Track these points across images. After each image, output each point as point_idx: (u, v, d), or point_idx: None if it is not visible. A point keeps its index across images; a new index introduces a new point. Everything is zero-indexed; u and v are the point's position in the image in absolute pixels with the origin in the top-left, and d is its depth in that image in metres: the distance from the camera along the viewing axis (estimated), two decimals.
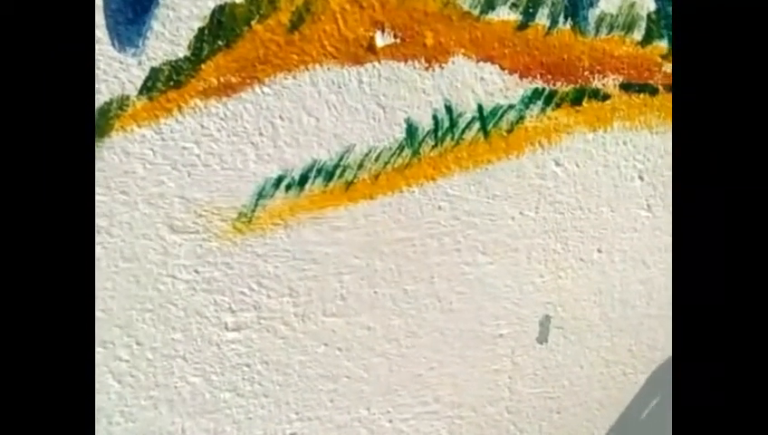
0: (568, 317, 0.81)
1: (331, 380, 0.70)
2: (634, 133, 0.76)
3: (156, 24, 0.51)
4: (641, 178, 0.78)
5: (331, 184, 0.63)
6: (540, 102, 0.70)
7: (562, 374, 0.83)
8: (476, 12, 0.63)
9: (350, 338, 0.70)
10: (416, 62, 0.63)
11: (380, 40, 0.61)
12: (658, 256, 0.83)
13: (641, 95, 0.75)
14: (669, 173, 0.80)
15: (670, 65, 0.77)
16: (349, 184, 0.63)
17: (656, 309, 0.85)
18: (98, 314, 0.57)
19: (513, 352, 0.79)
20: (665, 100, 0.77)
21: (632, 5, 0.71)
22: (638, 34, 0.73)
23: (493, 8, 0.64)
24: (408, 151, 0.65)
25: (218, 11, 0.53)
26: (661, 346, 0.88)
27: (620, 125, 0.75)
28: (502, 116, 0.69)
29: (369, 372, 0.72)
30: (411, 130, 0.65)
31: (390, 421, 0.75)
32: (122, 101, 0.52)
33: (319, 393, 0.70)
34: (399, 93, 0.63)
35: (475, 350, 0.77)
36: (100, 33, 0.49)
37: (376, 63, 0.61)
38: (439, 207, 0.69)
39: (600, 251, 0.80)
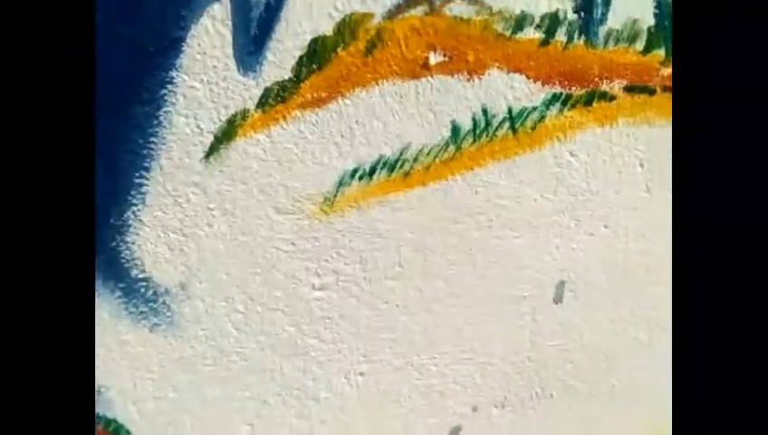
0: (579, 282, 0.88)
1: (390, 331, 0.81)
2: (636, 128, 0.83)
3: (269, 55, 0.64)
4: (642, 165, 0.85)
5: (394, 174, 0.74)
6: (558, 104, 0.78)
7: (574, 330, 0.90)
8: (508, 33, 0.74)
9: (405, 297, 0.80)
10: (460, 76, 0.73)
11: (433, 59, 0.71)
12: (656, 231, 0.89)
13: (642, 96, 0.82)
14: (665, 161, 0.87)
15: (667, 70, 0.83)
16: (407, 174, 0.74)
17: (653, 277, 0.92)
18: (222, 276, 0.70)
19: (534, 311, 0.87)
20: (662, 99, 0.85)
21: (635, 22, 0.79)
22: (639, 45, 0.79)
23: (521, 29, 0.74)
24: (452, 147, 0.75)
25: (314, 42, 0.65)
26: (657, 308, 0.95)
27: (624, 121, 0.82)
28: (527, 116, 0.77)
29: (419, 326, 0.82)
30: (455, 130, 0.75)
31: (435, 365, 0.85)
32: (244, 114, 0.65)
33: (381, 341, 0.81)
34: (447, 101, 0.73)
35: (504, 309, 0.85)
36: (230, 62, 0.62)
37: (429, 78, 0.72)
38: (476, 192, 0.78)
39: (606, 227, 0.86)
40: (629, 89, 0.81)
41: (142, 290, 0.69)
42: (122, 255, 0.66)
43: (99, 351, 0.67)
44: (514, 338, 0.87)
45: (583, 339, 0.91)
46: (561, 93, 0.78)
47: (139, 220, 0.66)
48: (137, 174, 0.64)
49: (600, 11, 0.76)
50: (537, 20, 0.74)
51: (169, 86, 0.62)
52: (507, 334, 0.87)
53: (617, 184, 0.84)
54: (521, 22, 0.73)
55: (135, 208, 0.65)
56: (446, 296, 0.82)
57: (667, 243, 0.90)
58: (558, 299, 0.88)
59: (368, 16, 0.67)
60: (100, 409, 0.70)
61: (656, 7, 0.79)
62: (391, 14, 0.68)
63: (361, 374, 0.82)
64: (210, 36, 0.61)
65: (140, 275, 0.68)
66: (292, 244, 0.73)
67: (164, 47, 0.59)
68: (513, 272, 0.84)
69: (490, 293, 0.84)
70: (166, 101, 0.62)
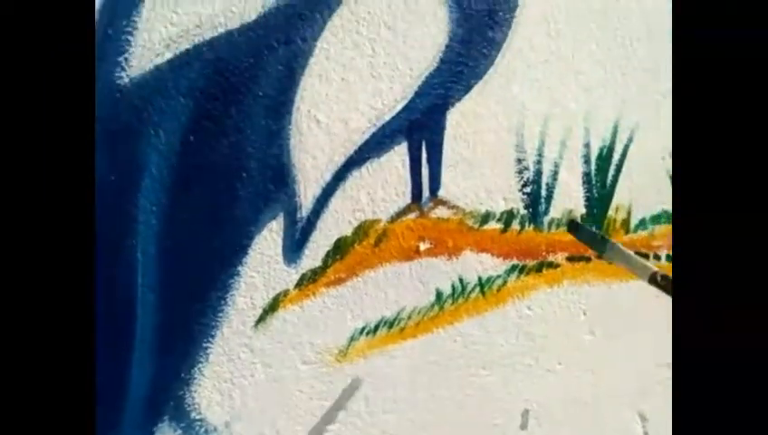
0: (540, 411, 0.99)
1: None
2: (577, 287, 0.98)
3: (306, 251, 0.85)
4: (585, 314, 1.00)
5: (392, 330, 0.89)
6: (516, 272, 0.93)
7: None
8: (477, 226, 0.91)
9: (398, 427, 0.91)
10: (442, 257, 0.89)
11: (422, 246, 0.88)
12: (600, 367, 1.02)
13: (581, 263, 0.97)
14: (603, 309, 1.00)
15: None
16: (402, 329, 0.89)
17: (599, 407, 1.03)
18: (257, 415, 0.84)
19: None
20: (596, 265, 0.99)
21: (570, 211, 0.96)
22: None
23: (486, 222, 0.92)
24: (436, 308, 0.90)
25: (338, 241, 0.87)
26: (604, 433, 1.04)
27: (568, 282, 0.97)
28: (493, 282, 0.92)
29: None
30: (438, 295, 0.90)
31: None
32: (286, 293, 0.84)
33: None
34: (432, 275, 0.89)
35: (480, 433, 0.96)
36: (279, 258, 0.84)
37: (420, 260, 0.88)
38: (455, 341, 0.92)
39: (560, 364, 0.99)
40: (571, 258, 0.98)
41: (197, 428, 0.84)
42: (186, 401, 0.82)
43: None
44: None
45: None
46: (518, 264, 0.94)
47: (202, 374, 0.83)
48: (204, 340, 0.82)
49: (543, 206, 0.95)
50: (498, 215, 0.92)
51: (236, 277, 0.82)
52: None
53: (566, 329, 0.98)
54: (486, 217, 0.92)
55: (200, 365, 0.83)
56: (432, 425, 0.94)
57: (609, 377, 1.02)
58: (524, 425, 0.98)
59: (376, 221, 0.88)
60: None
61: (586, 200, 0.98)
62: (393, 219, 0.89)
63: None
64: (267, 242, 0.82)
65: (197, 417, 0.83)
66: (312, 387, 0.87)
67: (236, 251, 0.81)
68: (486, 403, 0.95)
69: (468, 421, 0.95)
70: (232, 286, 0.82)
